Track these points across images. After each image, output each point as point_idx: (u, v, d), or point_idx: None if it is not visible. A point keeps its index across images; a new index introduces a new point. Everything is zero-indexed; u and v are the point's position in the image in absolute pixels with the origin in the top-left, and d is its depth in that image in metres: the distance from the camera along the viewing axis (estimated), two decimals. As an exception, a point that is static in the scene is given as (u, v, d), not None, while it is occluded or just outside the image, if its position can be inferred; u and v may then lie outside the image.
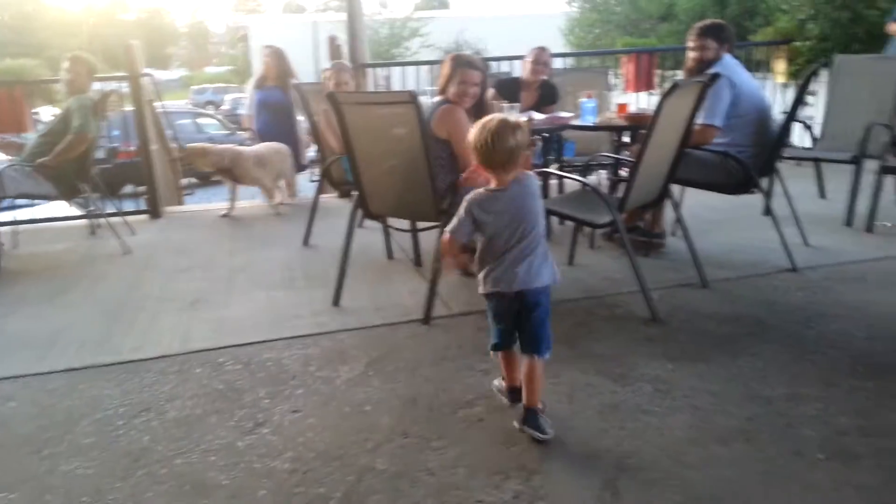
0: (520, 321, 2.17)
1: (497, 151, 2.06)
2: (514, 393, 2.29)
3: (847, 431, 2.09)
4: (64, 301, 3.62)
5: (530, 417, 2.14)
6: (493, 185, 2.14)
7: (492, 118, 2.11)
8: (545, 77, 4.86)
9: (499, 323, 2.20)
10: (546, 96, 4.82)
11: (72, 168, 4.48)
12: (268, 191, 5.49)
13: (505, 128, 2.06)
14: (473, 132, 2.11)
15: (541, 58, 4.77)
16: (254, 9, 59.46)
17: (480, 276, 2.18)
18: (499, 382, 2.39)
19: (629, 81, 6.90)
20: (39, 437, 2.27)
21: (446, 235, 2.16)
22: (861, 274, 3.43)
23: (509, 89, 4.75)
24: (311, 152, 6.08)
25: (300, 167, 6.06)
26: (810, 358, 2.57)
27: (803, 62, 7.06)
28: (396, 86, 6.55)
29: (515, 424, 2.18)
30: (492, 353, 2.27)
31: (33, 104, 5.86)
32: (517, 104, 4.38)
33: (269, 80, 5.98)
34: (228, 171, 5.34)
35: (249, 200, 5.90)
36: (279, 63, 5.95)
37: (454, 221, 2.16)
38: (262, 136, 5.83)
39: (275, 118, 5.90)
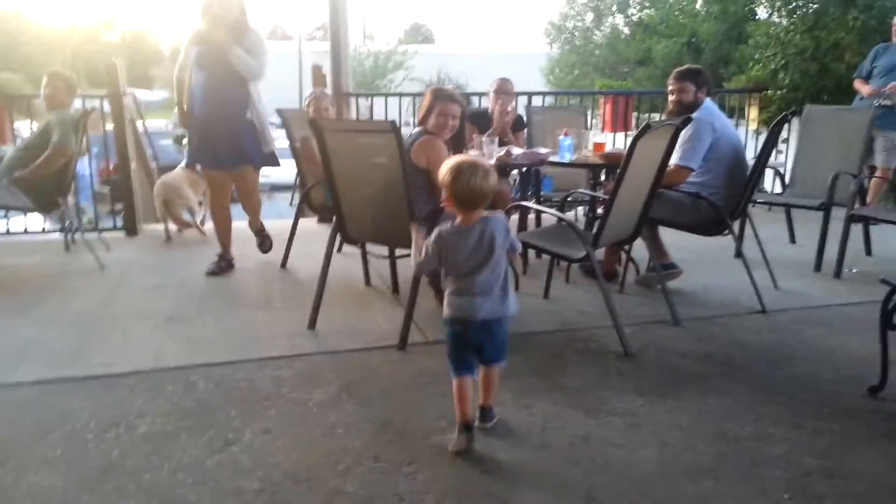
0: (481, 346, 2.28)
1: (467, 192, 2.18)
2: (469, 427, 2.23)
3: (811, 472, 2.13)
4: (36, 314, 3.57)
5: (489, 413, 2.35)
6: (458, 221, 2.25)
7: (464, 160, 2.24)
8: (510, 107, 4.97)
9: (457, 348, 2.28)
10: (514, 125, 4.93)
11: (50, 182, 4.45)
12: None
13: (475, 170, 2.19)
14: (444, 171, 2.22)
15: (503, 87, 4.88)
16: (239, 34, 59.68)
17: (444, 300, 2.29)
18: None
19: (606, 122, 7.05)
20: (5, 448, 2.24)
21: (418, 269, 2.34)
22: (829, 318, 3.51)
23: (480, 121, 4.84)
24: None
25: (260, 159, 4.32)
26: (778, 399, 2.62)
27: (775, 110, 7.28)
28: (379, 116, 6.61)
29: (477, 424, 2.30)
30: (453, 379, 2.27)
31: (14, 118, 5.81)
32: (496, 137, 4.45)
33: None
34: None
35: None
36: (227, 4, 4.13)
37: (422, 254, 2.28)
38: (197, 104, 4.20)
39: (215, 81, 4.12)
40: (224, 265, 4.38)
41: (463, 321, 2.25)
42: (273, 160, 4.38)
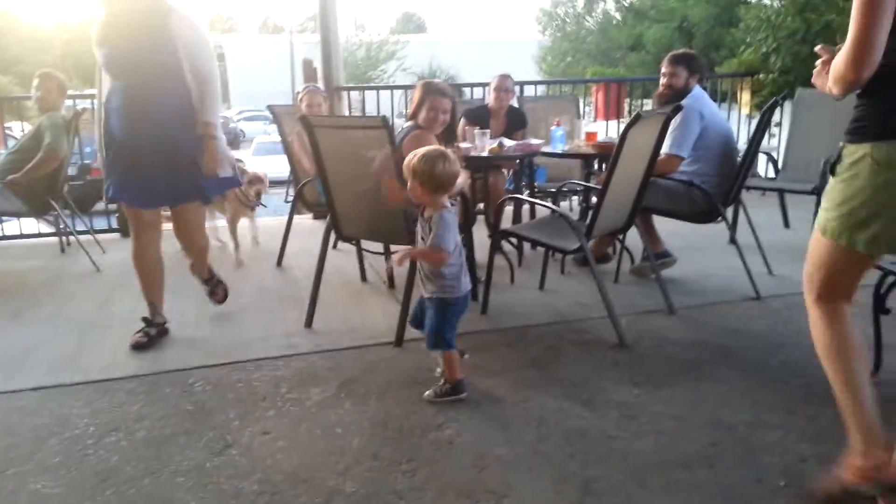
0: None
1: (444, 177, 2.37)
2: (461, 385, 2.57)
3: (807, 458, 2.15)
4: (32, 319, 3.58)
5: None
6: (428, 211, 2.45)
7: (431, 148, 2.42)
8: (511, 103, 4.96)
9: (457, 320, 2.57)
10: (514, 122, 4.91)
11: (42, 185, 4.44)
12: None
13: (446, 156, 2.39)
14: (416, 160, 2.37)
15: (503, 84, 4.86)
16: (230, 28, 59.46)
17: (447, 283, 2.49)
18: (435, 391, 2.57)
19: (599, 110, 7.04)
20: (5, 456, 2.25)
21: (444, 255, 2.44)
22: (821, 303, 3.52)
23: (479, 117, 4.82)
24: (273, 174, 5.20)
25: (214, 186, 3.23)
26: (772, 385, 2.64)
27: (767, 94, 7.28)
28: (371, 109, 6.58)
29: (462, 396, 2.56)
30: (450, 353, 2.54)
31: (5, 120, 5.79)
32: (488, 130, 4.45)
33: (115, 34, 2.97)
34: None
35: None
36: None
37: (451, 239, 2.43)
38: (115, 124, 3.03)
39: (137, 93, 2.96)
40: (154, 333, 3.22)
41: (466, 295, 2.54)
42: (232, 182, 3.37)
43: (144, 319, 3.25)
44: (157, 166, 3.00)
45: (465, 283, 2.54)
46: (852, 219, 1.80)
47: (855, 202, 1.79)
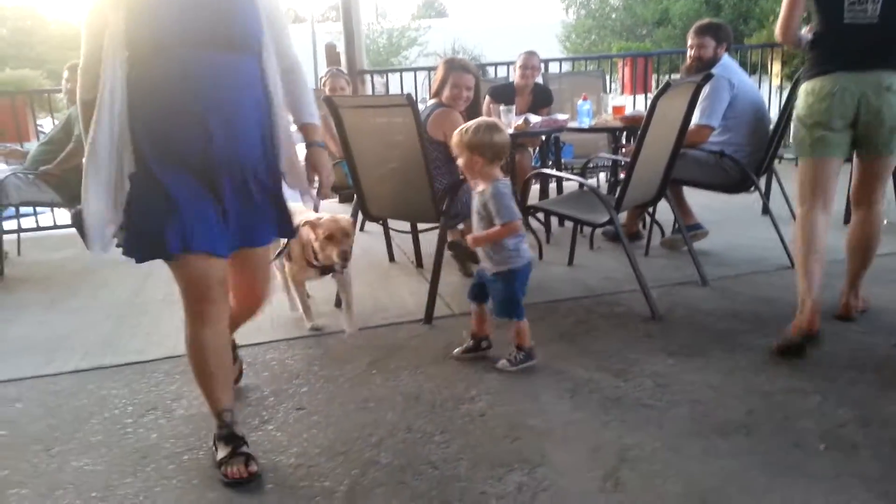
0: None
1: (501, 145, 2.41)
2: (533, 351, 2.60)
3: (846, 423, 2.11)
4: (68, 306, 3.64)
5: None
6: (482, 185, 2.46)
7: (482, 120, 2.47)
8: (537, 80, 4.91)
9: (525, 287, 2.56)
10: (540, 99, 4.87)
11: (74, 176, 4.49)
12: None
13: (498, 125, 2.46)
14: (471, 131, 2.39)
15: (529, 62, 4.82)
16: (252, 20, 59.56)
17: (511, 253, 2.47)
18: (509, 360, 2.58)
19: (626, 85, 6.96)
20: (49, 436, 2.30)
21: (517, 223, 2.44)
22: (858, 270, 3.45)
23: (504, 95, 4.79)
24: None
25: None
26: (809, 352, 2.59)
27: (798, 63, 7.11)
28: (395, 92, 6.56)
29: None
30: (521, 322, 2.55)
31: (35, 114, 5.88)
32: (513, 106, 4.42)
33: None
34: None
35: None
36: None
37: (515, 207, 2.43)
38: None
39: (219, 64, 1.94)
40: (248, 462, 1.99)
41: (529, 260, 2.54)
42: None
43: (228, 436, 2.05)
44: (243, 181, 1.98)
45: (525, 250, 2.51)
46: (799, 132, 2.74)
47: (797, 120, 2.76)
